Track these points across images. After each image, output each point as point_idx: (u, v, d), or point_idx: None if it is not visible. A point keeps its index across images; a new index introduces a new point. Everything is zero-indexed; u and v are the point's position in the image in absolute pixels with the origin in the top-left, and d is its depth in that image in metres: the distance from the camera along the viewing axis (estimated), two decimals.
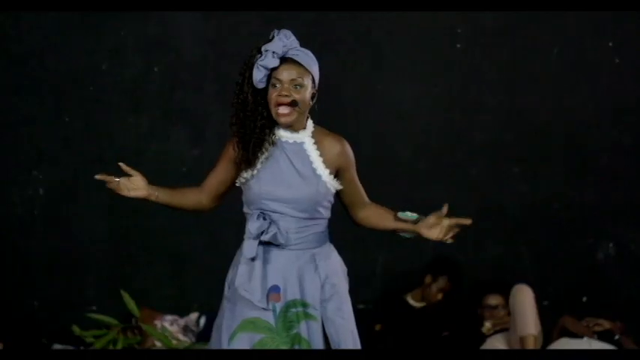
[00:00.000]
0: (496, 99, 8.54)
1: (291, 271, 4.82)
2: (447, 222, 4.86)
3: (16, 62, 8.34)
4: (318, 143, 4.86)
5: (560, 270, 8.50)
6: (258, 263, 4.79)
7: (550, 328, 7.77)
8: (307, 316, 4.79)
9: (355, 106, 8.52)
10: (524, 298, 7.61)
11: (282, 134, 4.78)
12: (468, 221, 4.80)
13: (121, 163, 4.89)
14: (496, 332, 7.85)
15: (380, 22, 8.46)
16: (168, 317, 7.93)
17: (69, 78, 8.39)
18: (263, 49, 4.71)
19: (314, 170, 4.81)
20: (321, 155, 4.85)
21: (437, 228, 4.88)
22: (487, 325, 7.92)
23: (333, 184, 4.86)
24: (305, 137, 4.85)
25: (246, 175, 4.81)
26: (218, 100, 8.20)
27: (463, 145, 8.57)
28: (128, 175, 4.89)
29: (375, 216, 4.97)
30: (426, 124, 8.53)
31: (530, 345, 7.53)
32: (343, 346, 4.80)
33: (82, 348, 7.45)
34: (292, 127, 4.78)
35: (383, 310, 8.05)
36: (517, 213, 8.56)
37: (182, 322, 8.01)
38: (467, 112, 8.56)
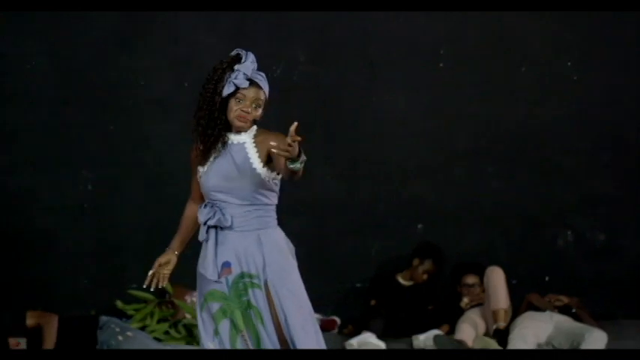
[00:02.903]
0: (474, 109, 8.65)
1: (240, 249, 4.84)
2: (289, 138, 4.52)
3: (67, 78, 8.37)
4: (256, 142, 4.86)
5: (526, 254, 8.64)
6: (211, 244, 4.87)
7: (518, 303, 7.84)
8: (253, 285, 4.81)
9: (354, 114, 8.56)
10: (497, 277, 7.75)
11: (230, 136, 4.86)
12: (298, 138, 4.48)
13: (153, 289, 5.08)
14: (473, 306, 7.97)
15: (376, 41, 8.55)
16: (197, 293, 8.03)
17: (112, 92, 8.43)
18: (236, 67, 4.80)
19: (250, 165, 4.82)
20: (257, 152, 4.84)
21: (276, 144, 4.65)
22: (465, 300, 8.07)
23: (268, 175, 4.83)
24: (247, 138, 4.86)
25: (200, 170, 4.91)
26: None
27: (446, 149, 8.66)
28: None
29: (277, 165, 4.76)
30: (415, 131, 8.56)
31: (502, 317, 7.62)
32: (286, 311, 4.79)
33: (124, 319, 7.43)
34: (239, 131, 4.86)
35: (377, 288, 8.19)
36: (491, 206, 8.68)
37: None
38: (449, 120, 8.65)
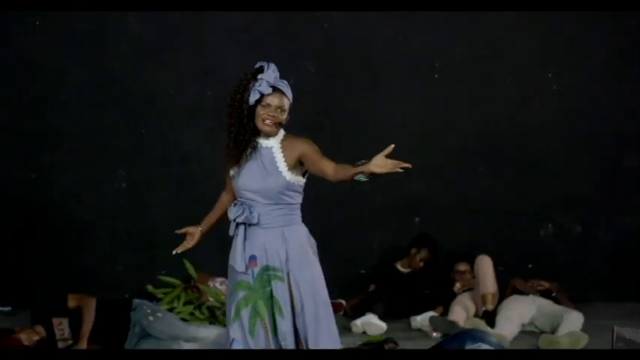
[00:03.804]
0: (464, 115, 8.67)
1: (265, 244, 4.83)
2: (390, 161, 4.47)
3: (105, 87, 8.37)
4: (283, 147, 4.84)
5: (512, 244, 8.65)
6: (240, 239, 4.87)
7: (504, 288, 7.88)
8: (276, 277, 4.81)
9: (358, 119, 8.54)
10: (485, 265, 7.79)
11: (259, 141, 4.84)
12: (408, 165, 4.44)
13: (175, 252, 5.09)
14: (464, 291, 7.99)
15: (378, 55, 8.54)
16: (219, 279, 7.80)
17: (144, 99, 8.43)
18: (259, 77, 4.78)
19: (277, 168, 4.80)
20: (284, 156, 4.83)
21: (383, 166, 4.48)
22: (457, 285, 8.08)
23: (293, 178, 4.82)
24: (274, 143, 4.85)
25: (232, 172, 4.91)
26: None
27: (440, 150, 8.66)
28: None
29: (340, 170, 4.67)
30: (412, 134, 8.52)
31: (490, 300, 7.64)
32: (303, 300, 4.79)
33: (154, 302, 7.39)
34: (267, 136, 4.84)
35: (378, 275, 8.20)
36: (481, 202, 8.69)
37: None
38: (443, 125, 8.65)
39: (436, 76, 8.67)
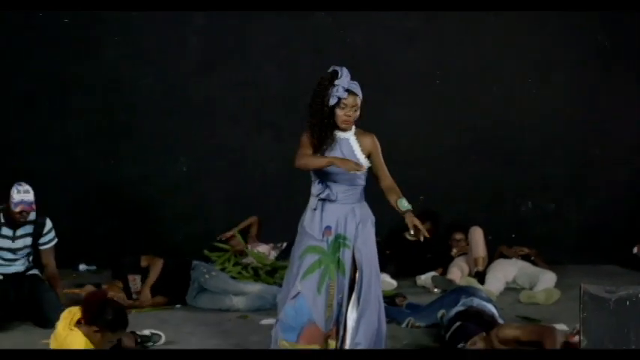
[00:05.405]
0: (460, 116, 8.62)
1: (339, 217, 4.80)
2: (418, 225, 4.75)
3: (170, 92, 8.44)
4: (357, 138, 4.83)
5: (499, 218, 8.60)
6: (318, 212, 4.81)
7: (492, 253, 7.84)
8: (345, 245, 4.78)
9: (371, 120, 8.37)
10: (477, 234, 7.76)
11: (338, 134, 4.79)
12: (421, 237, 4.75)
13: None
14: (460, 255, 7.91)
15: (388, 69, 8.50)
16: (262, 244, 7.90)
17: (200, 102, 8.49)
18: (336, 82, 4.68)
19: (354, 155, 4.78)
20: (360, 146, 4.82)
21: (415, 225, 4.77)
22: (454, 250, 8.01)
23: (365, 163, 4.79)
24: (350, 135, 4.82)
25: None
26: (289, 116, 8.12)
27: (439, 144, 8.64)
28: None
29: (387, 191, 4.83)
30: (416, 132, 8.56)
31: (480, 263, 7.59)
32: (363, 268, 4.77)
33: (209, 263, 7.31)
34: (344, 130, 4.82)
35: (391, 242, 8.09)
36: (473, 184, 8.64)
37: (269, 247, 7.88)
38: (441, 124, 8.63)
39: (437, 81, 8.67)
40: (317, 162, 4.70)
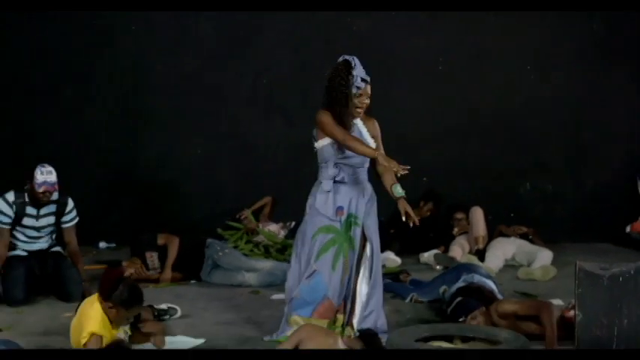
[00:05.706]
0: (462, 100, 8.62)
1: (350, 198, 4.87)
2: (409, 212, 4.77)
3: (183, 77, 8.44)
4: (364, 122, 4.92)
5: (498, 198, 8.54)
6: (331, 194, 4.86)
7: (492, 232, 7.83)
8: (356, 224, 4.86)
9: (378, 105, 8.32)
10: (478, 214, 7.76)
11: None
12: (411, 223, 4.76)
13: None
14: (461, 234, 7.91)
15: (393, 56, 8.50)
16: (272, 224, 7.87)
17: (214, 87, 8.48)
18: (354, 73, 4.75)
19: (365, 139, 4.85)
20: (367, 129, 4.91)
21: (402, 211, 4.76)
22: (456, 229, 8.01)
23: (373, 145, 4.85)
24: (358, 120, 4.90)
25: (328, 142, 4.84)
26: (298, 102, 8.19)
27: (442, 127, 8.62)
28: None
29: (383, 175, 4.85)
30: (421, 115, 8.54)
31: (480, 241, 7.60)
32: (372, 242, 4.87)
33: (223, 241, 7.26)
34: (357, 116, 4.85)
35: (394, 221, 7.60)
36: (474, 166, 8.65)
37: (279, 226, 7.83)
38: (445, 107, 8.61)
39: (440, 68, 8.66)
40: (365, 150, 4.73)
